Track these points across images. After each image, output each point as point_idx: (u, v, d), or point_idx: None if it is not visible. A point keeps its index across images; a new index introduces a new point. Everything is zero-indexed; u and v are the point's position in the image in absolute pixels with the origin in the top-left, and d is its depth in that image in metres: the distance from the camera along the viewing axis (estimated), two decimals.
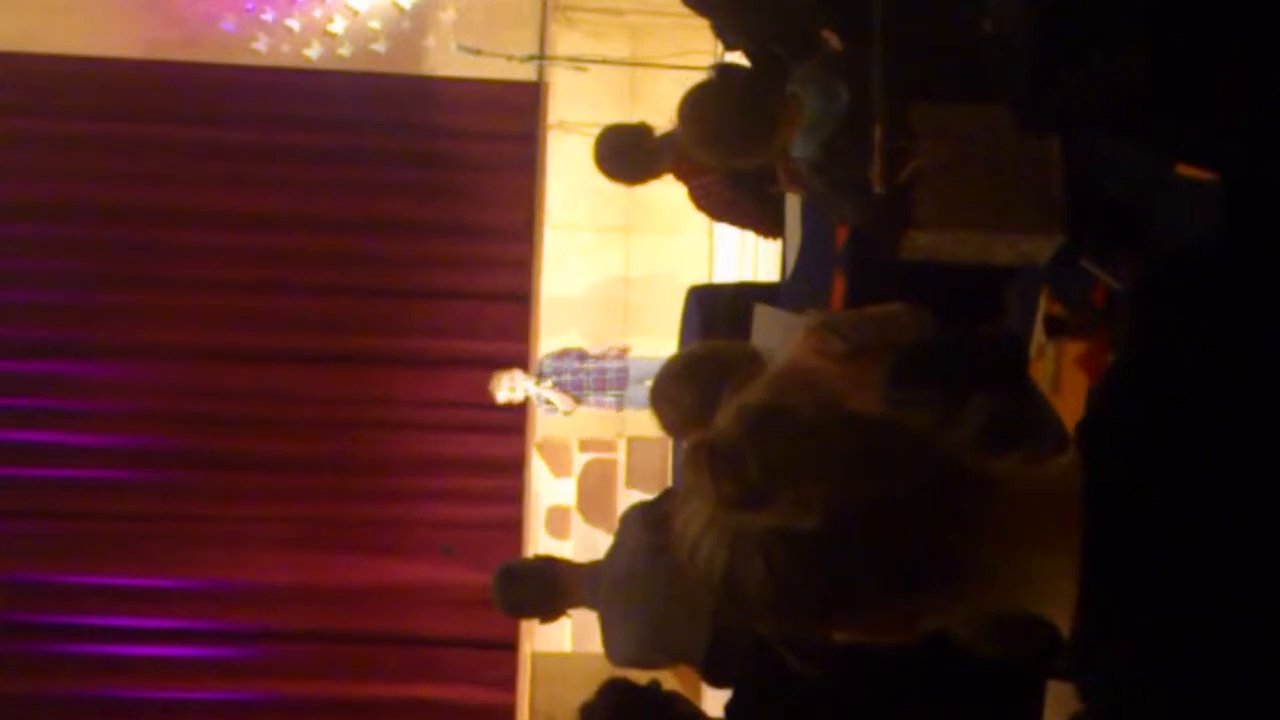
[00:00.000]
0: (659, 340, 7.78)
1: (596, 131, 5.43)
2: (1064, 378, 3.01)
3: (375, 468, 8.81)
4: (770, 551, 1.34)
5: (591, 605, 4.16)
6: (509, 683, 8.49)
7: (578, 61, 8.45)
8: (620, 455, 8.29)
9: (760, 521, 1.34)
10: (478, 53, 8.31)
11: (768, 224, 5.17)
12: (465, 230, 9.01)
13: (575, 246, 8.93)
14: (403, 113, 8.97)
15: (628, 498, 7.93)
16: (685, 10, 4.70)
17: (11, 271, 8.71)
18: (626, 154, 5.26)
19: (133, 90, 8.83)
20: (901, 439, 1.37)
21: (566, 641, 7.73)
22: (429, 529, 8.71)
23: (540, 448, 8.71)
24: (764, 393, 1.42)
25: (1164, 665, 1.30)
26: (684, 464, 1.42)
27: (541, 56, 8.68)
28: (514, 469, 8.89)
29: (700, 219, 6.49)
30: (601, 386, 7.98)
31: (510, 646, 8.45)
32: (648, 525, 3.92)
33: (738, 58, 4.73)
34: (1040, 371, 3.06)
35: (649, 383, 7.55)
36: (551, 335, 8.71)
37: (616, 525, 4.22)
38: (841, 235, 3.95)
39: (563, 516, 8.61)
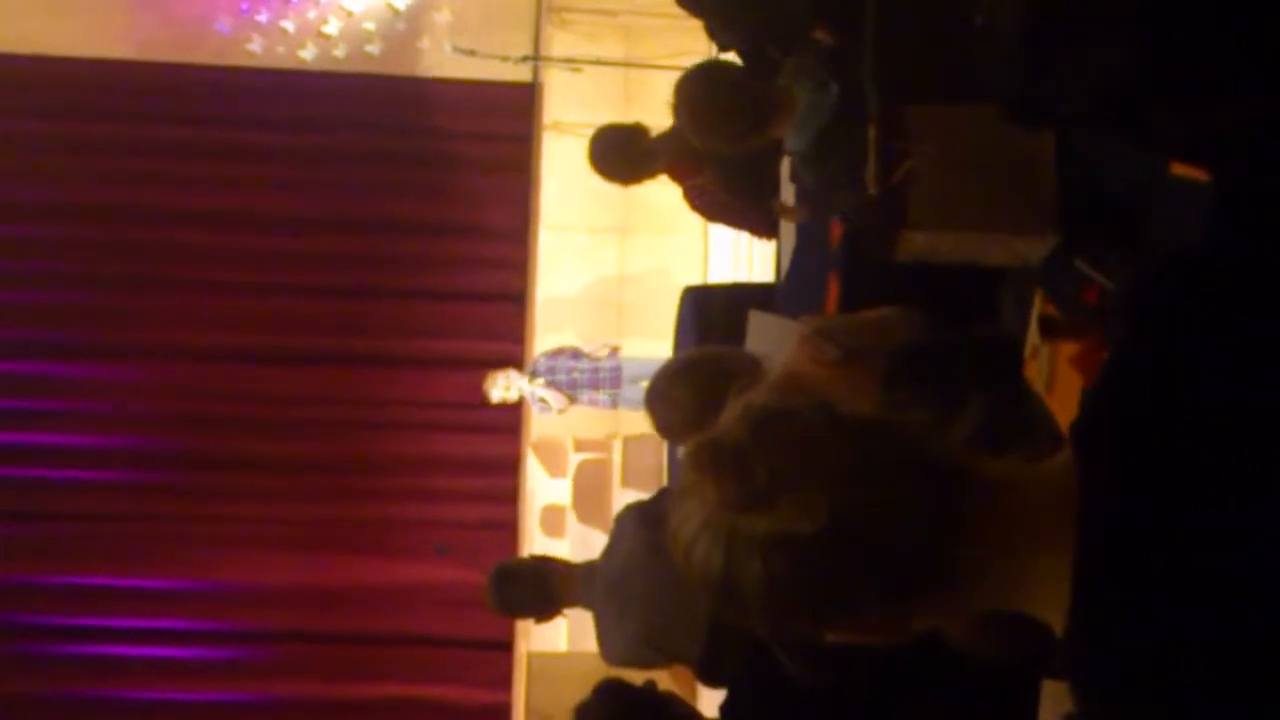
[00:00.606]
0: (653, 341, 7.79)
1: (591, 132, 5.44)
2: (1058, 378, 3.02)
3: (371, 468, 8.82)
4: (768, 555, 1.34)
5: (587, 605, 4.16)
6: (505, 683, 8.50)
7: (572, 62, 8.45)
8: (615, 455, 8.29)
9: (759, 524, 1.34)
10: (472, 54, 8.31)
11: (762, 225, 5.17)
12: (460, 231, 9.01)
13: (570, 247, 8.93)
14: (397, 114, 8.98)
15: (623, 497, 7.93)
16: (679, 11, 4.70)
17: (6, 273, 8.70)
18: (621, 154, 5.26)
19: (127, 92, 8.83)
20: (898, 442, 1.38)
21: (562, 641, 7.74)
22: (424, 529, 8.72)
23: (535, 448, 8.72)
24: (767, 396, 1.42)
25: (1158, 665, 1.30)
26: (686, 463, 1.42)
27: (536, 58, 8.68)
28: (509, 469, 8.89)
29: (695, 219, 6.50)
30: (595, 385, 7.99)
31: (506, 646, 8.46)
32: (643, 525, 3.92)
33: (731, 58, 4.73)
34: (1034, 372, 3.06)
35: (643, 382, 7.58)
36: (546, 334, 8.71)
37: (612, 525, 4.22)
38: (836, 236, 3.96)
39: (558, 516, 8.61)
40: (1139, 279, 1.52)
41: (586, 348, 8.16)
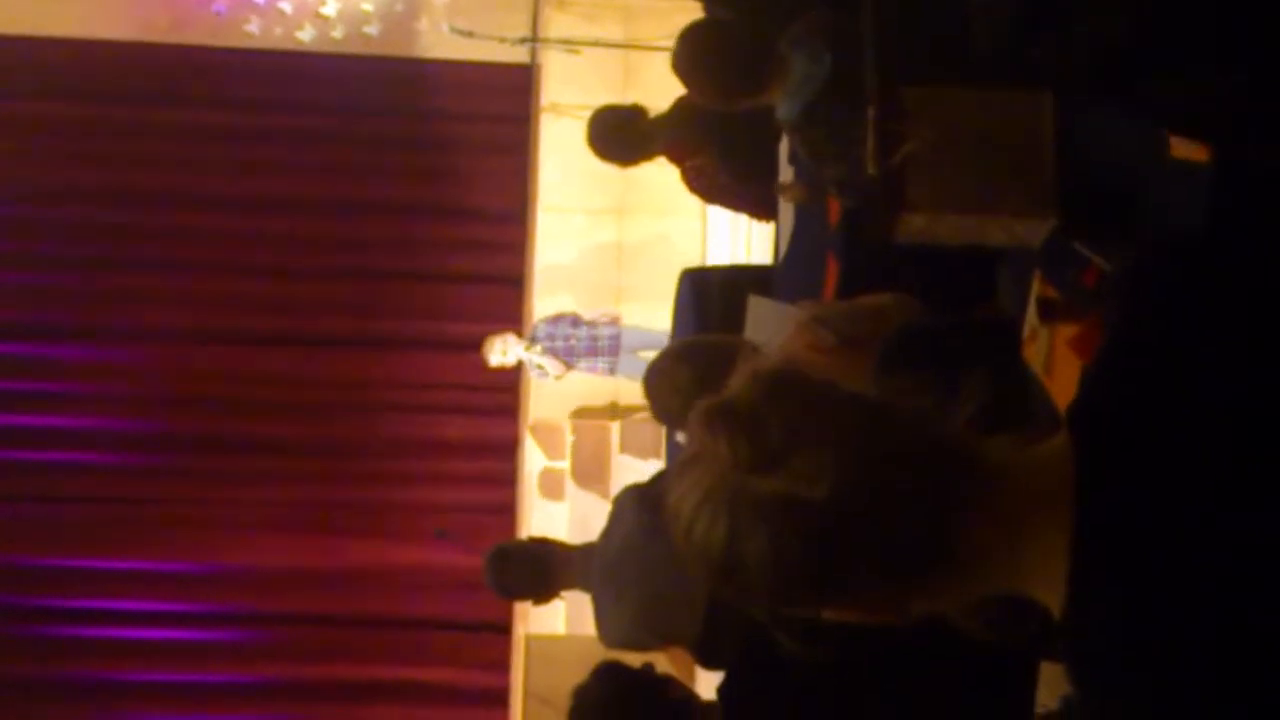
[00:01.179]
0: (651, 306, 7.78)
1: (589, 114, 5.42)
2: (1057, 360, 3.02)
3: (369, 450, 8.82)
4: (774, 520, 1.34)
5: (585, 587, 4.16)
6: (503, 665, 8.52)
7: (570, 44, 8.43)
8: (614, 434, 8.28)
9: (768, 486, 1.33)
10: (470, 35, 8.29)
11: (761, 206, 5.16)
12: (458, 213, 9.01)
13: (568, 229, 8.92)
14: (395, 95, 8.97)
15: (622, 463, 7.94)
16: None
17: (4, 255, 8.70)
18: (620, 135, 5.25)
19: (123, 73, 8.82)
20: (900, 421, 1.37)
21: (560, 624, 7.73)
22: (423, 512, 8.72)
23: (533, 430, 8.71)
24: (774, 363, 1.42)
25: (1155, 648, 1.30)
26: (692, 426, 1.40)
27: (534, 39, 8.66)
28: (507, 451, 8.90)
29: (694, 201, 6.49)
30: (594, 353, 7.99)
31: (504, 629, 8.48)
32: (641, 507, 3.92)
33: None
34: (1033, 354, 3.06)
35: (642, 353, 7.56)
36: (545, 298, 8.69)
37: (610, 507, 4.22)
38: (834, 217, 3.95)
39: (556, 479, 8.59)
40: (1138, 261, 1.52)
41: (587, 315, 8.16)
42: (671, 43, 3.91)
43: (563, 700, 3.41)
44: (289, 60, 8.92)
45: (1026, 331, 3.12)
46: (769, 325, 3.35)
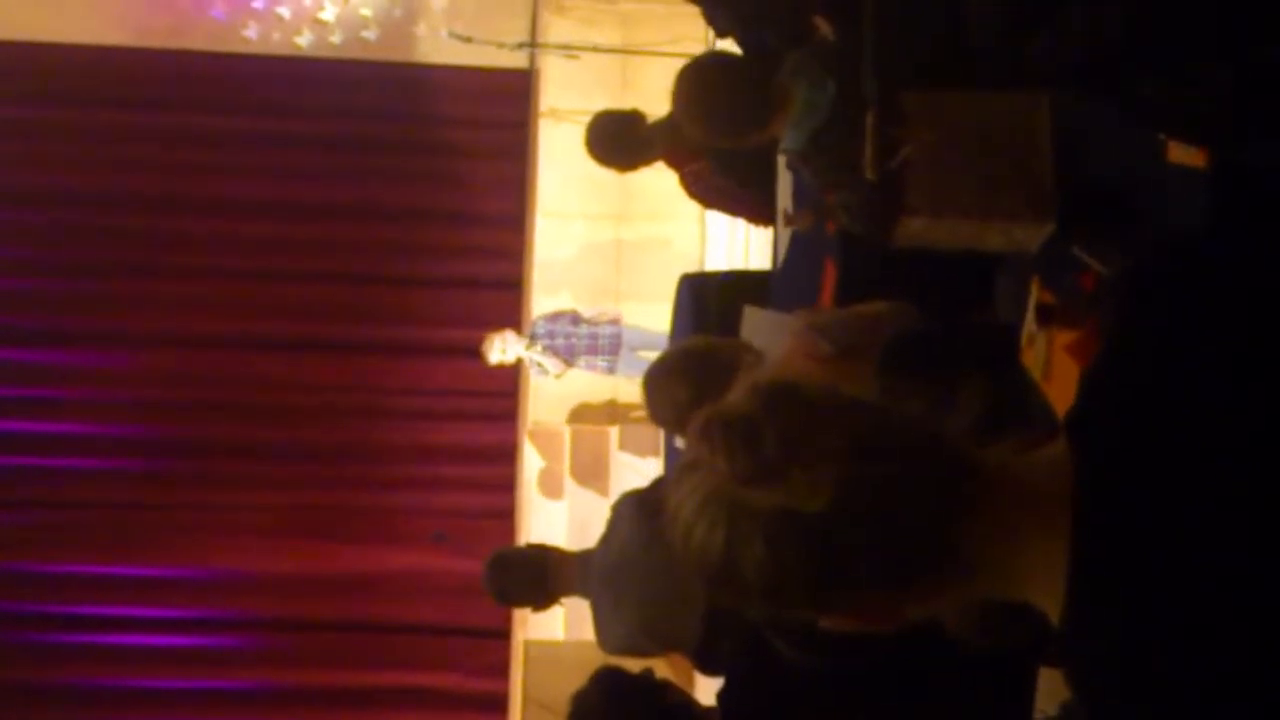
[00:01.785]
0: (651, 305, 7.78)
1: (588, 119, 5.42)
2: (1055, 365, 3.01)
3: (367, 455, 8.82)
4: (770, 533, 1.34)
5: (584, 594, 4.16)
6: (502, 671, 8.52)
7: (569, 49, 8.43)
8: (613, 438, 8.28)
9: (764, 500, 1.33)
10: (469, 40, 8.29)
11: (759, 211, 5.16)
12: (457, 218, 9.01)
13: (567, 234, 8.92)
14: (393, 100, 8.97)
15: (621, 461, 7.94)
16: None
17: (3, 260, 8.70)
18: (618, 140, 5.24)
19: (122, 78, 8.82)
20: (894, 428, 1.37)
21: (559, 629, 7.73)
22: (422, 517, 8.72)
23: (532, 435, 8.71)
24: (774, 374, 1.42)
25: (1154, 654, 1.30)
26: (692, 437, 1.40)
27: (533, 44, 8.67)
28: (506, 457, 8.90)
29: (692, 206, 6.49)
30: (594, 351, 7.99)
31: (503, 634, 8.47)
32: (640, 514, 3.91)
33: (729, 45, 4.72)
34: (1031, 359, 3.06)
35: (641, 352, 7.55)
36: (545, 296, 8.69)
37: (608, 514, 4.21)
38: (832, 223, 3.95)
39: (555, 478, 8.58)
40: (1135, 265, 1.51)
41: (587, 313, 8.15)
42: (670, 47, 3.90)
43: (562, 706, 3.41)
44: (287, 66, 8.92)
45: (1024, 337, 3.11)
46: (765, 336, 3.35)
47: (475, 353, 8.07)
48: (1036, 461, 1.39)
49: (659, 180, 5.68)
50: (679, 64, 3.92)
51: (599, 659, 3.83)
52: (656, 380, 3.28)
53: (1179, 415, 1.34)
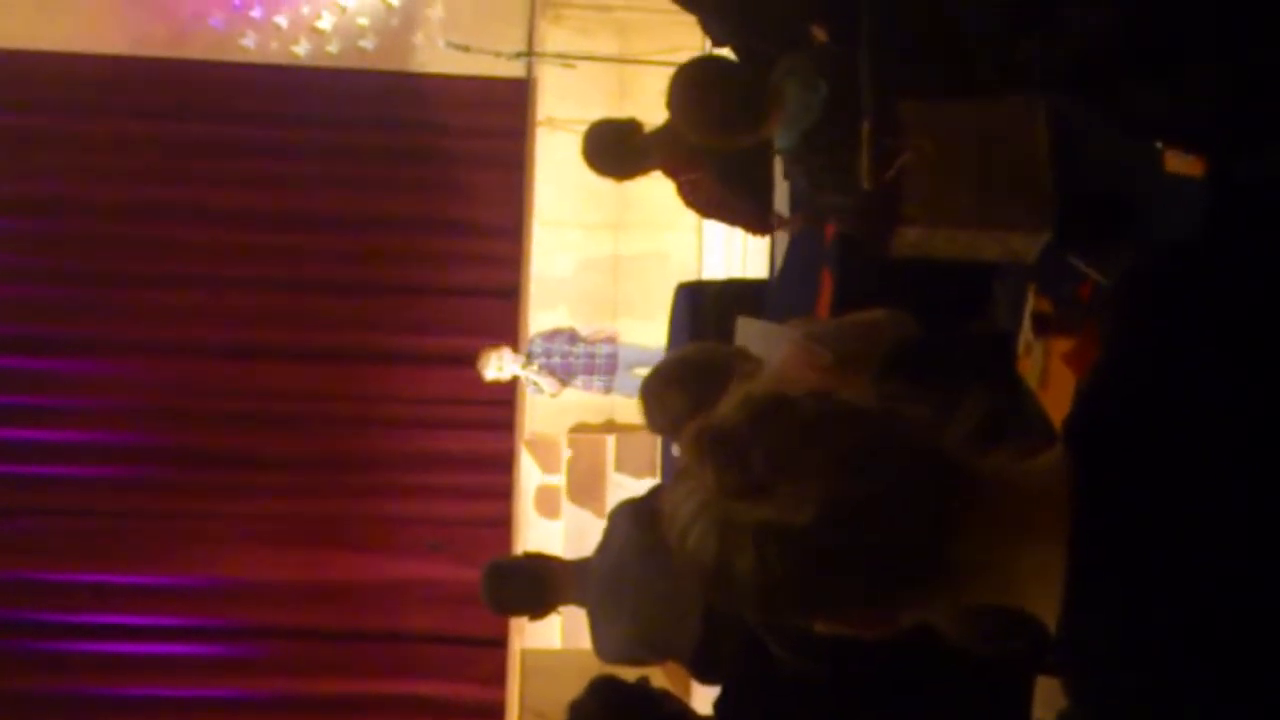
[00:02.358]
0: (647, 325, 7.78)
1: (585, 128, 5.43)
2: (1052, 374, 3.02)
3: (365, 464, 8.81)
4: (761, 544, 1.34)
5: (581, 602, 4.16)
6: (499, 679, 8.50)
7: (566, 58, 8.44)
8: (609, 448, 8.28)
9: (754, 513, 1.34)
10: (466, 49, 8.30)
11: (756, 220, 5.16)
12: (454, 227, 9.01)
13: (564, 243, 8.92)
14: (391, 110, 8.97)
15: (617, 481, 7.94)
16: (673, 6, 4.70)
17: (2, 268, 8.69)
18: (615, 149, 5.25)
19: (119, 87, 8.82)
20: (893, 435, 1.37)
21: (556, 638, 7.72)
22: (419, 525, 8.72)
23: (529, 444, 8.71)
24: (767, 385, 1.42)
25: (1152, 662, 1.30)
26: (684, 448, 1.41)
27: (530, 53, 8.67)
28: (503, 466, 8.89)
29: (689, 215, 6.50)
30: (590, 371, 7.97)
31: (500, 643, 8.46)
32: (636, 523, 3.92)
33: (726, 54, 4.72)
34: (1028, 368, 3.06)
35: (639, 370, 7.55)
36: (542, 311, 8.69)
37: (605, 523, 4.21)
38: (829, 232, 3.96)
39: (552, 496, 8.59)
40: (1132, 274, 1.52)
41: (584, 331, 8.14)
42: (666, 56, 3.90)
43: (558, 715, 3.40)
44: (285, 75, 8.92)
45: (1021, 346, 3.12)
46: (758, 346, 3.35)
47: (472, 362, 8.08)
48: (1033, 469, 1.39)
49: (656, 189, 5.68)
50: None
51: (596, 668, 3.82)
52: (654, 388, 3.28)
53: (1176, 422, 1.34)
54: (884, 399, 1.40)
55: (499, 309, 8.96)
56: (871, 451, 1.36)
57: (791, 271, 4.43)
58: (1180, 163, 2.56)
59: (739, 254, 7.95)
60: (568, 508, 8.36)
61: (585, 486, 8.25)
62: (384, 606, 8.70)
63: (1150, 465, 1.33)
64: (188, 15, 8.86)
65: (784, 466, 1.34)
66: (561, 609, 4.39)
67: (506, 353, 7.99)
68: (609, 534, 4.11)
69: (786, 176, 4.34)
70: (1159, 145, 2.63)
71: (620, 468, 8.10)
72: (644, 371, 5.84)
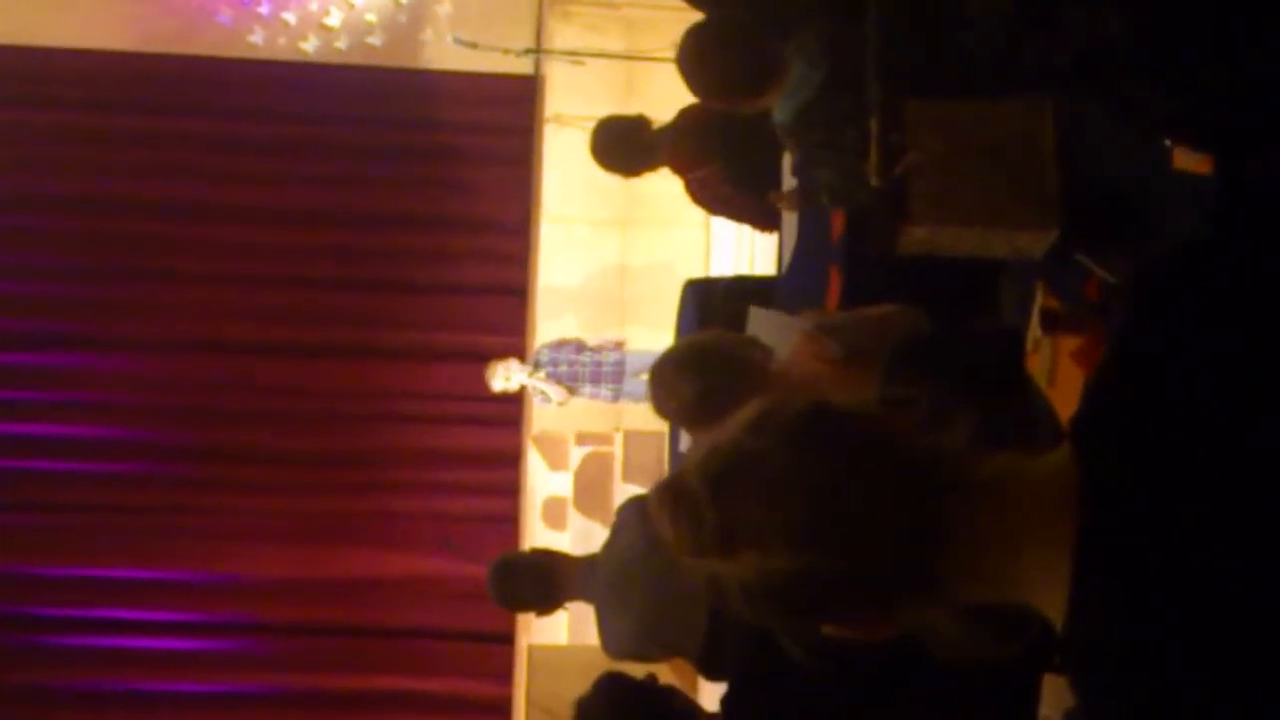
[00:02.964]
0: (656, 331, 7.78)
1: (593, 125, 5.43)
2: (1060, 371, 3.02)
3: (372, 461, 8.82)
4: (744, 584, 1.36)
5: (588, 598, 4.16)
6: (506, 675, 8.51)
7: (574, 55, 8.44)
8: (617, 449, 8.28)
9: (721, 568, 1.36)
10: (474, 46, 8.30)
11: (764, 218, 5.16)
12: (461, 224, 9.01)
13: (572, 240, 8.92)
14: (399, 106, 8.97)
15: (624, 491, 7.93)
16: (681, 4, 4.70)
17: (8, 264, 8.70)
18: (623, 145, 5.25)
19: (127, 83, 8.83)
20: (886, 448, 1.37)
21: (563, 634, 7.73)
22: (425, 522, 8.72)
23: (537, 441, 8.71)
24: (739, 433, 1.40)
25: (1157, 659, 1.30)
26: (651, 501, 1.42)
27: (538, 50, 8.67)
28: (510, 462, 8.89)
29: (697, 212, 6.49)
30: (597, 379, 7.97)
31: (507, 639, 8.46)
32: (644, 519, 3.91)
33: None
34: (1036, 365, 3.06)
35: (645, 376, 7.55)
36: (548, 321, 8.69)
37: (614, 519, 4.22)
38: (837, 229, 3.96)
39: (559, 507, 8.60)
40: (1139, 272, 1.52)
41: (591, 341, 8.14)
42: (674, 53, 3.91)
43: (565, 711, 3.41)
44: (293, 71, 8.92)
45: (1030, 343, 3.12)
46: (768, 336, 3.35)
47: (480, 359, 8.08)
48: (1039, 468, 1.39)
49: (664, 186, 5.68)
50: None
51: (603, 664, 3.83)
52: (663, 373, 3.27)
53: (1183, 421, 1.34)
54: (886, 401, 1.40)
55: (506, 305, 8.96)
56: (860, 471, 1.36)
57: (800, 269, 4.43)
58: (1188, 160, 2.56)
59: (747, 251, 7.95)
60: (574, 518, 8.37)
61: (593, 496, 8.27)
62: (391, 602, 8.70)
63: (1157, 463, 1.33)
64: (195, 11, 8.86)
65: (742, 529, 1.35)
66: (569, 605, 4.39)
67: (513, 363, 7.99)
68: (617, 530, 4.11)
69: (795, 173, 4.34)
70: (1167, 143, 2.63)
71: (628, 477, 8.10)
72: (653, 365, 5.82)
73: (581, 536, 8.14)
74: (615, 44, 8.66)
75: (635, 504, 4.14)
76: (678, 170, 5.18)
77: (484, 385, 7.99)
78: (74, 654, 8.49)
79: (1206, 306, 1.39)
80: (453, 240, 9.01)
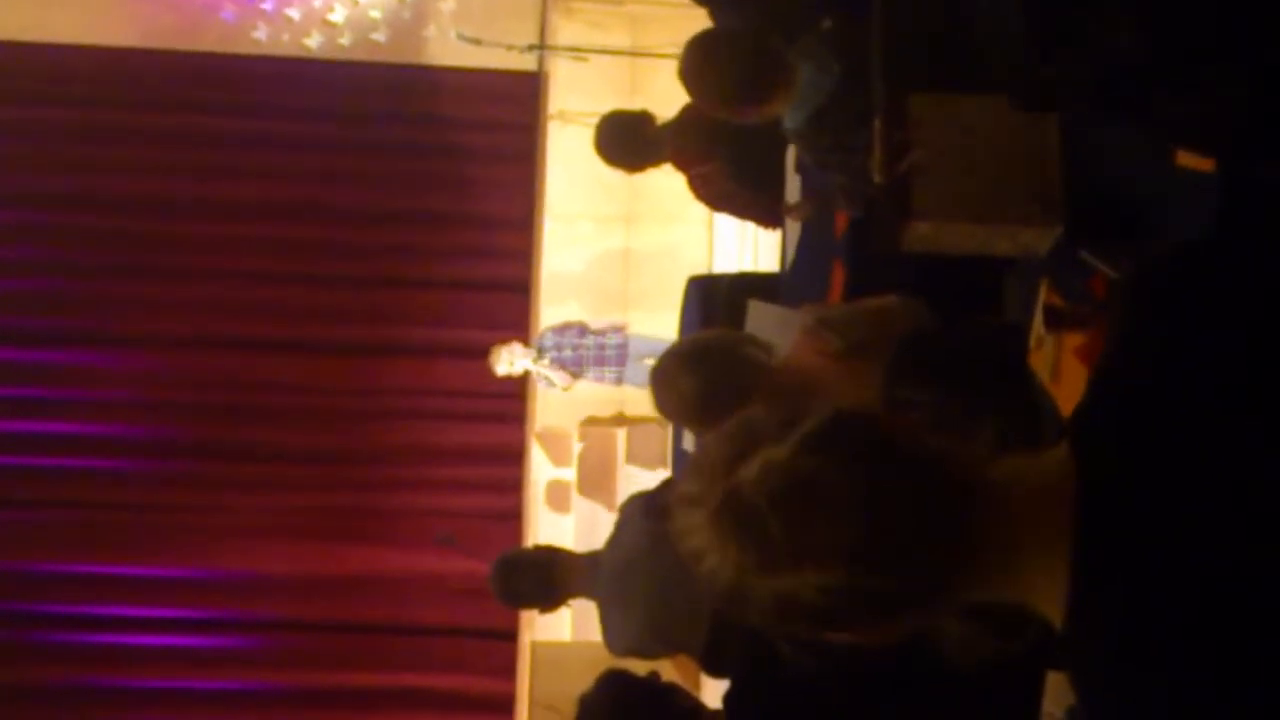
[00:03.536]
0: (658, 315, 7.79)
1: (596, 121, 5.43)
2: (1063, 368, 3.02)
3: (375, 457, 8.82)
4: (781, 597, 1.37)
5: (591, 595, 4.16)
6: (509, 672, 8.51)
7: (578, 51, 8.44)
8: (620, 440, 8.29)
9: (775, 583, 1.36)
10: (478, 42, 8.30)
11: (767, 214, 5.16)
12: (465, 220, 9.01)
13: (575, 236, 8.92)
14: (402, 102, 8.97)
15: (628, 474, 7.94)
16: (685, 0, 4.70)
17: (8, 261, 8.70)
18: (627, 141, 5.25)
19: (129, 79, 8.82)
20: (935, 466, 1.37)
21: (566, 631, 7.73)
22: (428, 518, 8.71)
23: (540, 437, 8.71)
24: (788, 452, 1.40)
25: (1157, 656, 1.30)
26: (708, 523, 1.40)
27: (542, 46, 8.67)
28: (513, 458, 8.89)
29: (700, 208, 6.49)
30: (601, 362, 7.98)
31: (510, 636, 8.46)
32: (648, 516, 3.92)
33: None
34: (1040, 362, 3.06)
35: (649, 360, 7.57)
36: (552, 306, 8.69)
37: (616, 515, 4.22)
38: (841, 225, 3.96)
39: (563, 491, 8.60)
40: (1142, 270, 1.51)
41: (594, 324, 8.15)
42: (678, 50, 3.90)
43: (568, 708, 3.41)
44: (296, 67, 8.92)
45: (1033, 340, 3.12)
46: (769, 331, 3.34)
47: (483, 355, 8.08)
48: (1041, 465, 1.39)
49: (668, 182, 5.68)
50: None
51: (606, 661, 3.83)
52: (665, 371, 3.27)
53: (1183, 419, 1.34)
54: (890, 403, 1.40)
55: (510, 302, 8.96)
56: (899, 504, 1.36)
57: (803, 265, 4.43)
58: (1191, 157, 2.56)
59: (750, 247, 7.95)
60: (578, 501, 8.37)
61: (596, 479, 8.26)
62: (394, 599, 8.70)
63: (1157, 460, 1.33)
64: (199, 7, 8.86)
65: (807, 552, 1.35)
66: (572, 602, 4.39)
67: (517, 347, 8.00)
68: (620, 527, 4.11)
69: (799, 170, 4.33)
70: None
71: (631, 459, 8.11)
72: (654, 361, 5.84)
73: (585, 520, 8.14)
74: (619, 40, 8.66)
75: (639, 500, 4.14)
76: (681, 166, 5.18)
77: (488, 370, 8.00)
78: (74, 650, 8.49)
79: (1208, 304, 1.39)
80: (456, 236, 9.01)
